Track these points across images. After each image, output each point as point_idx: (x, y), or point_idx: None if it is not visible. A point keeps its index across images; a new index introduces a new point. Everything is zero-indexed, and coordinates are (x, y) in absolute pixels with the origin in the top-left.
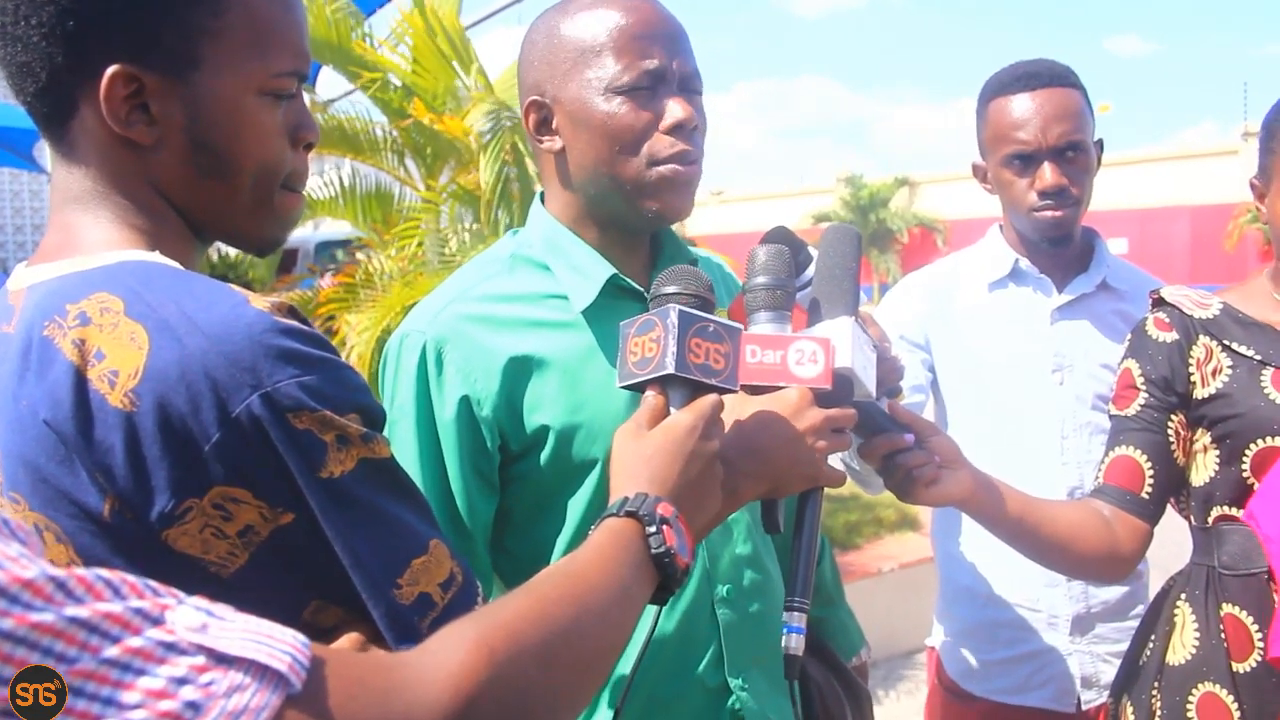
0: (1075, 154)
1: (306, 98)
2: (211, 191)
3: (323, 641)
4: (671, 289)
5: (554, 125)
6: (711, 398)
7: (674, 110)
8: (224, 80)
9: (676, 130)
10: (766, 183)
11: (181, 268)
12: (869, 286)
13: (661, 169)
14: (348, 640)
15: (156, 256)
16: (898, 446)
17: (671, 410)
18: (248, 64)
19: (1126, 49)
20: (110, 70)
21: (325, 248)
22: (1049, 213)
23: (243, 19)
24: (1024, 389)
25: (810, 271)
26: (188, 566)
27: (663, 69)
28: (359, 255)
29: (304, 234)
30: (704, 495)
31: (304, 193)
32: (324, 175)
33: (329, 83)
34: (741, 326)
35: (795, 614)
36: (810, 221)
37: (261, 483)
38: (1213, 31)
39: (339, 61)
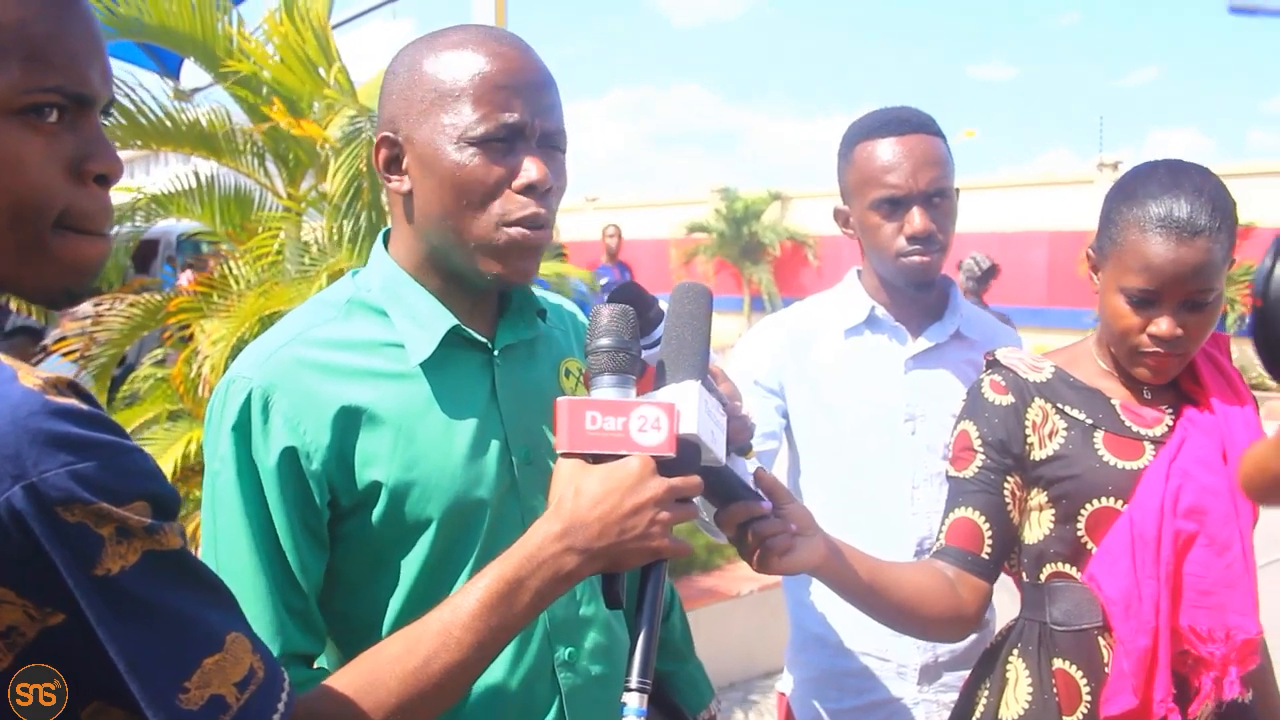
0: (941, 200)
1: (168, 86)
2: None
3: None
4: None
5: (404, 165)
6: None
7: (529, 170)
8: None
9: (528, 190)
10: (641, 191)
11: None
12: (740, 299)
13: (509, 231)
14: None
15: None
16: (754, 514)
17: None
18: None
19: (989, 75)
20: None
21: (188, 241)
22: (917, 258)
23: None
24: (876, 437)
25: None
26: None
27: (522, 123)
28: (214, 261)
29: (166, 225)
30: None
31: (159, 191)
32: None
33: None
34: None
35: (635, 695)
36: (684, 231)
37: (26, 581)
38: (1072, 61)
39: (200, 55)
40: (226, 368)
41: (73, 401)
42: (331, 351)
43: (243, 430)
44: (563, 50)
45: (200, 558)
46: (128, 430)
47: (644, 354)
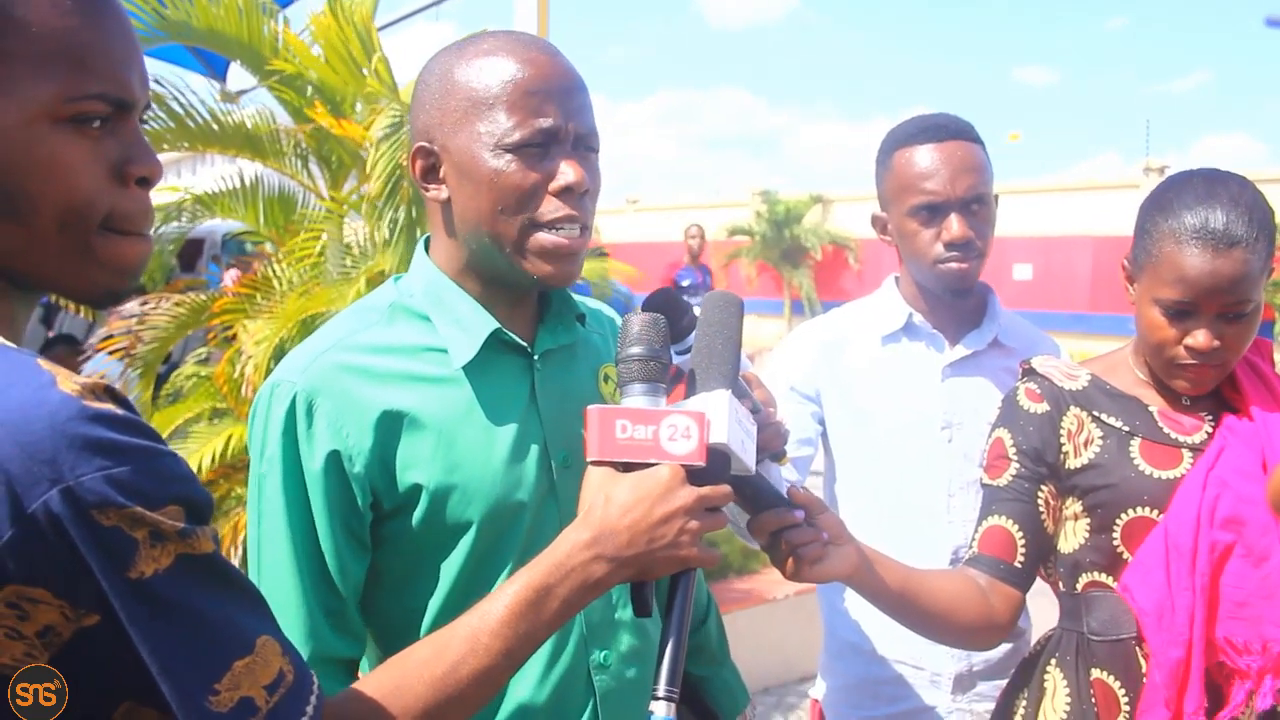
0: (980, 207)
1: (215, 89)
2: (10, 236)
3: None
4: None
5: (440, 174)
6: None
7: (565, 172)
8: (8, 109)
9: (565, 193)
10: (682, 193)
11: None
12: (780, 302)
13: (546, 236)
14: None
15: None
16: (786, 523)
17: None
18: (36, 89)
19: (1035, 78)
20: None
21: (233, 240)
22: (954, 264)
23: (26, 37)
24: (913, 445)
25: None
26: None
27: (556, 128)
28: (256, 263)
29: (211, 224)
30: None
31: (205, 192)
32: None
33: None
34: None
35: (663, 704)
36: (725, 234)
37: (62, 583)
38: (1118, 65)
39: (245, 57)
40: (269, 367)
41: (109, 406)
42: (374, 356)
43: (288, 434)
44: (607, 53)
45: (245, 554)
46: (172, 426)
47: (676, 359)
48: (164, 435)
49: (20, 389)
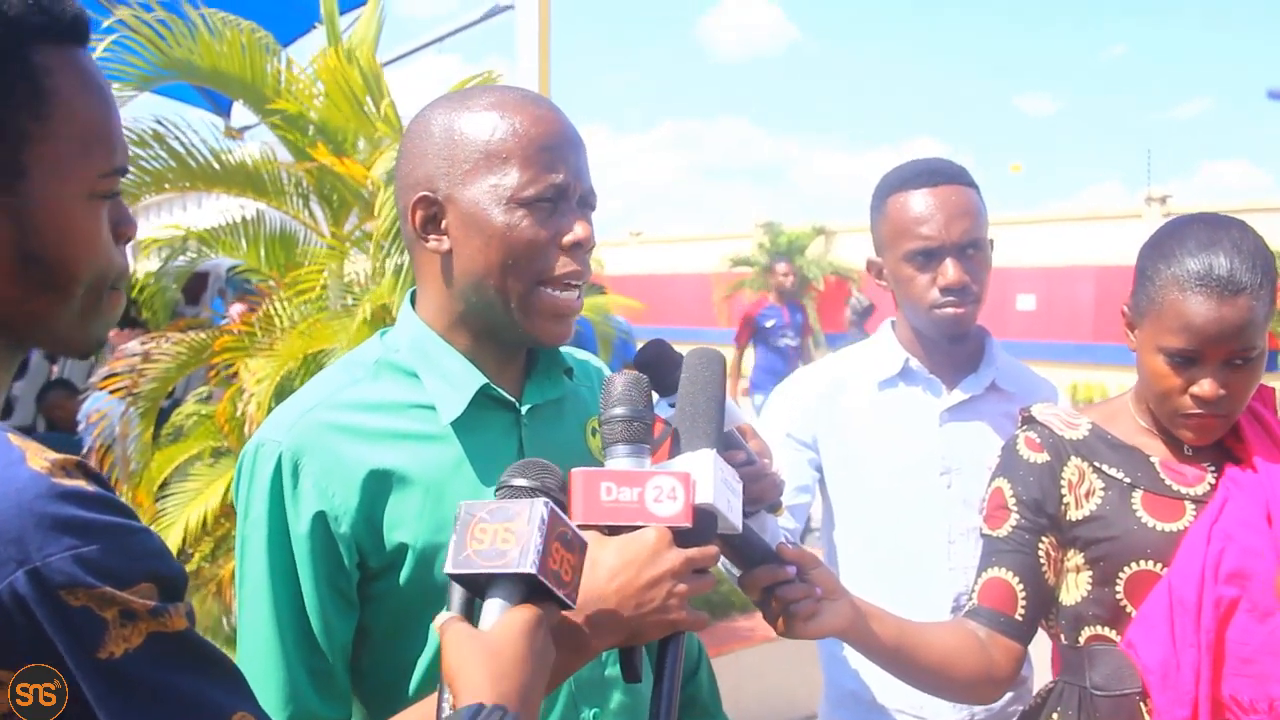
0: (975, 251)
1: (219, 124)
2: (41, 305)
3: None
4: (523, 483)
5: (443, 225)
6: (551, 607)
7: (576, 230)
8: (52, 188)
9: (575, 249)
10: (685, 225)
11: None
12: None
13: (553, 294)
14: None
15: None
16: (778, 579)
17: (498, 608)
18: (75, 167)
19: (1035, 107)
20: None
21: (238, 275)
22: (951, 309)
23: (68, 120)
24: (911, 491)
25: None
26: None
27: (566, 184)
28: (262, 299)
29: (216, 259)
30: (539, 692)
31: (206, 229)
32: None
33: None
34: (586, 542)
35: None
36: (728, 265)
37: (29, 664)
38: (1119, 93)
39: (248, 97)
40: (271, 405)
41: (79, 484)
42: (360, 414)
43: (274, 495)
44: (610, 82)
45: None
46: (173, 465)
47: (668, 412)
48: (164, 475)
49: None
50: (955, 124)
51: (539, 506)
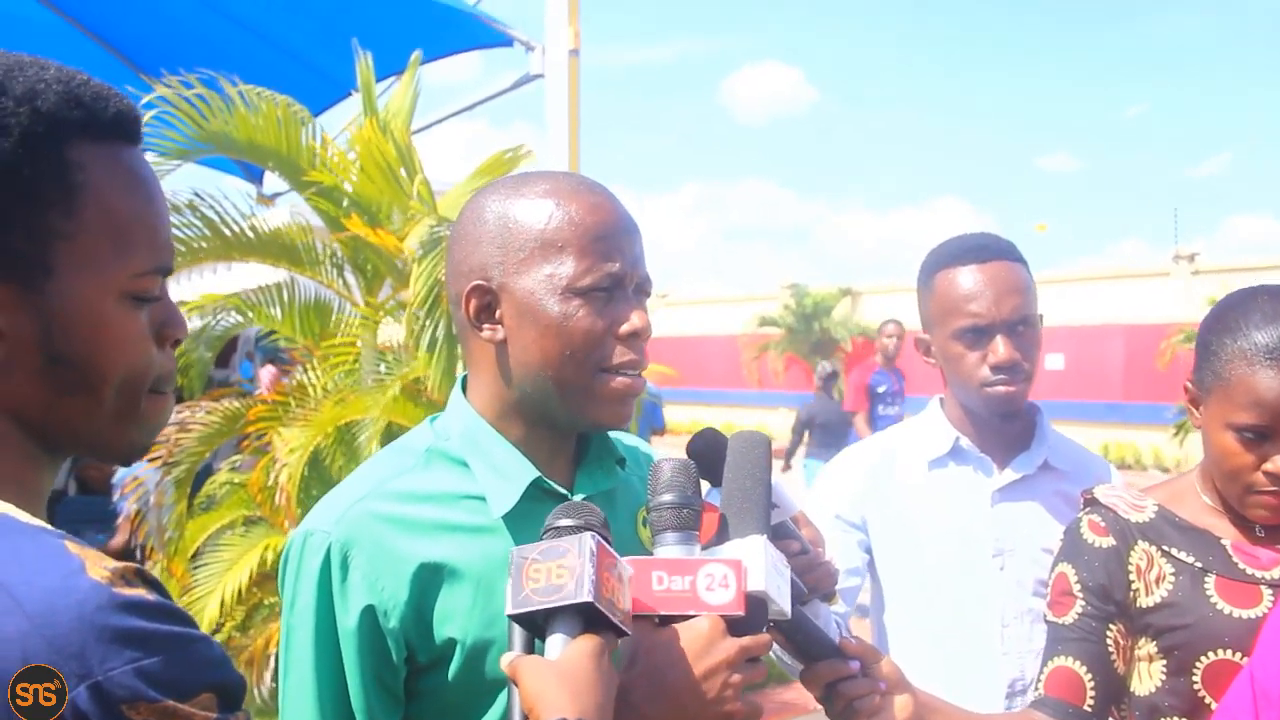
0: (1026, 328)
1: (251, 192)
2: (71, 408)
3: None
4: (568, 522)
5: (498, 314)
6: (610, 636)
7: (634, 320)
8: (81, 286)
9: (632, 339)
10: (712, 286)
11: (17, 514)
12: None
13: (611, 379)
14: None
15: None
16: (841, 674)
17: (560, 642)
18: (107, 266)
19: (1058, 166)
20: None
21: (267, 340)
22: (1002, 388)
23: (99, 217)
24: (964, 573)
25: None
26: None
27: (623, 273)
28: (292, 366)
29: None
30: (610, 713)
31: (239, 294)
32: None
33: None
34: (631, 570)
35: None
36: (756, 324)
37: None
38: (1141, 151)
39: (283, 168)
40: (303, 475)
41: (140, 593)
42: (410, 505)
43: (322, 587)
44: (634, 145)
45: (276, 667)
46: (205, 534)
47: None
48: (197, 544)
49: (47, 577)
50: (978, 183)
51: (587, 540)
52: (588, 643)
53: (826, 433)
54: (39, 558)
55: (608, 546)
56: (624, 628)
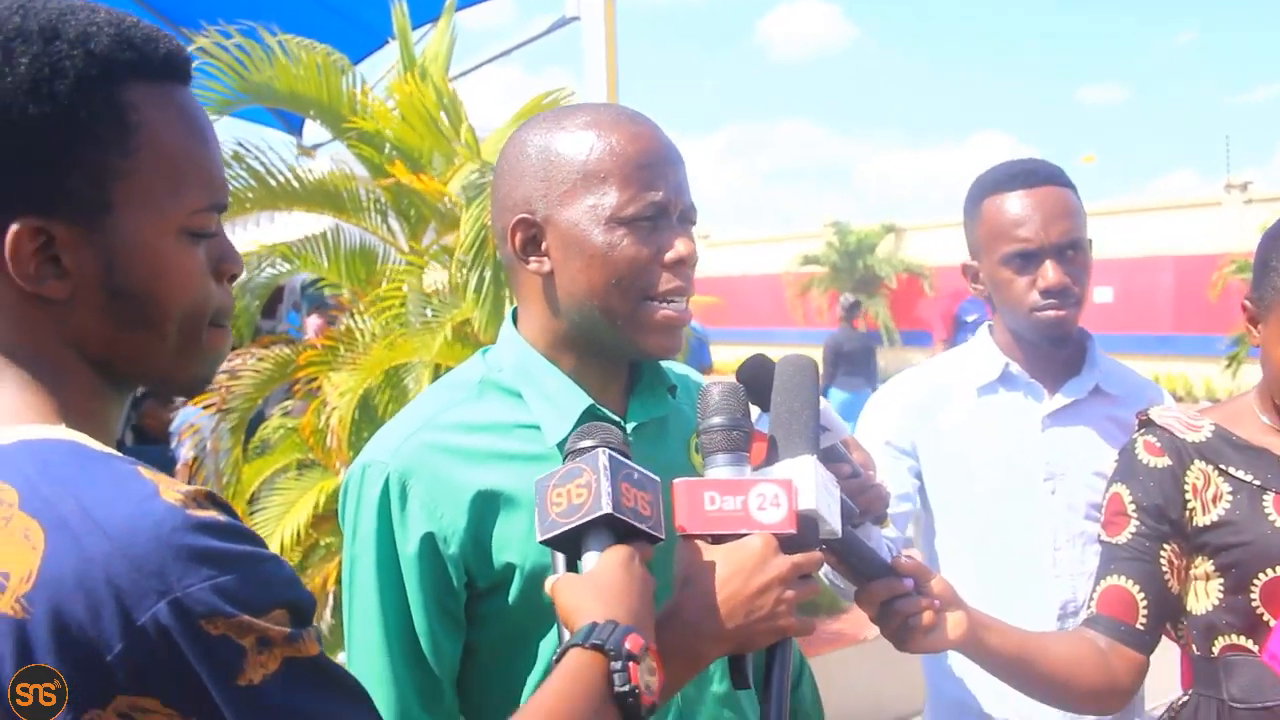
0: (1075, 252)
1: (292, 143)
2: (134, 342)
3: None
4: (588, 442)
5: (543, 247)
6: (643, 544)
7: (678, 247)
8: (140, 224)
9: (677, 266)
10: (754, 227)
11: (90, 443)
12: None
13: (658, 308)
14: None
15: (62, 431)
16: (895, 592)
17: (594, 558)
18: (164, 204)
19: (1105, 97)
20: (14, 226)
21: (313, 288)
22: (1052, 312)
23: (155, 156)
24: (1015, 498)
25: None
26: None
27: (666, 201)
28: (338, 312)
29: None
30: (649, 616)
31: (286, 243)
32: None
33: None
34: (658, 480)
35: None
36: (799, 263)
37: (172, 691)
38: (1191, 79)
39: (325, 116)
40: (354, 418)
41: (212, 514)
42: (465, 435)
43: (382, 516)
44: (671, 88)
45: (334, 603)
46: (260, 478)
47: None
48: (253, 487)
49: (125, 502)
50: (1021, 117)
51: (600, 456)
52: (617, 552)
53: (851, 361)
54: (115, 483)
55: (620, 459)
56: (653, 533)
